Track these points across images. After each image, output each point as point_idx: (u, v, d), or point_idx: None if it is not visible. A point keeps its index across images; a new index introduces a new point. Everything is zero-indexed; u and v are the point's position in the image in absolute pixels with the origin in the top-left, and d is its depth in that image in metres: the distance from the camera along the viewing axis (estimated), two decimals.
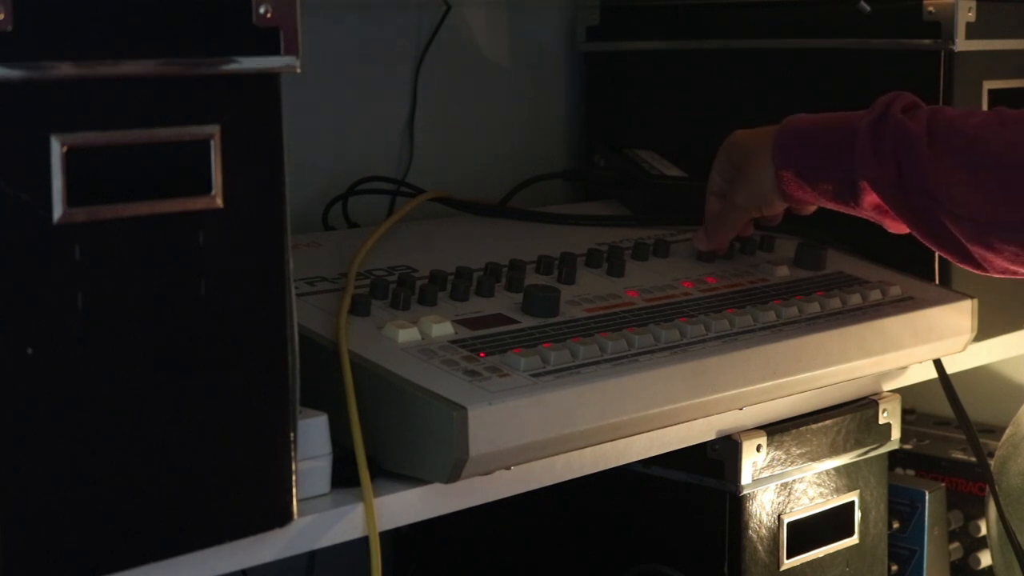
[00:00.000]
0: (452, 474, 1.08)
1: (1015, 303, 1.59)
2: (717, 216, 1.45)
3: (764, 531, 1.37)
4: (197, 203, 0.95)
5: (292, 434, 1.01)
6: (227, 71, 0.96)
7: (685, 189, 1.60)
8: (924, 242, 1.35)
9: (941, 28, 1.51)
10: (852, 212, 1.37)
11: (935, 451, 1.73)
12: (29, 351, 0.88)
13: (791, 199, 1.39)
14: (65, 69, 0.88)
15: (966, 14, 1.51)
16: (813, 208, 1.44)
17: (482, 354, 1.15)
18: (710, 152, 1.64)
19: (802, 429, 1.38)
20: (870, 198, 1.33)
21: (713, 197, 1.46)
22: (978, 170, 1.26)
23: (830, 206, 1.38)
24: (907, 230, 1.36)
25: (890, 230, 1.38)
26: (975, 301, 1.47)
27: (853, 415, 1.43)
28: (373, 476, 1.08)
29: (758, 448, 1.34)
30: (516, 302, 1.26)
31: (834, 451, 1.42)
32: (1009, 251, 1.27)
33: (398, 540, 1.57)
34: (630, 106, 1.77)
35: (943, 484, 1.64)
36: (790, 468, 1.38)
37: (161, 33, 0.93)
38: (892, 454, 1.51)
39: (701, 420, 1.29)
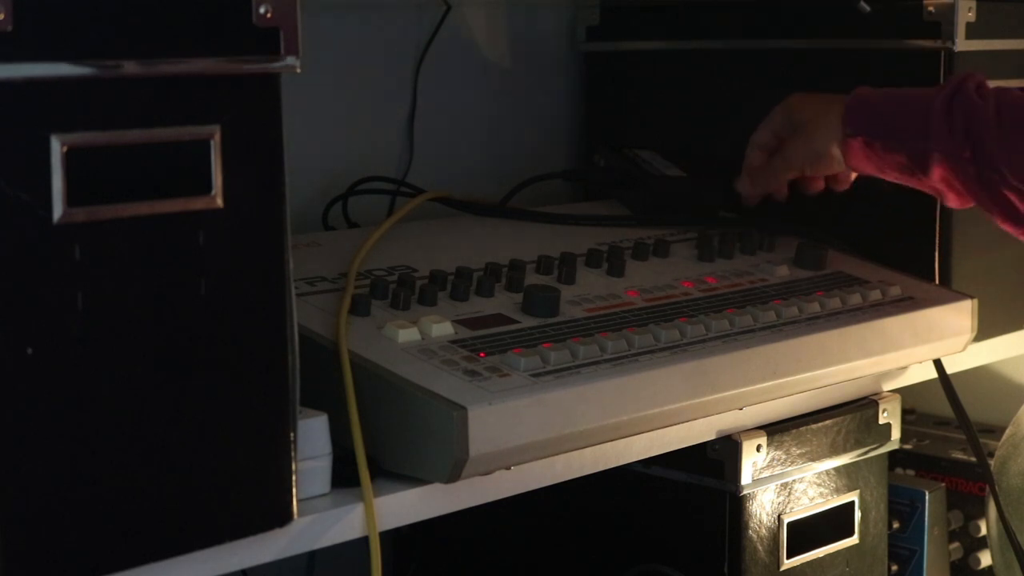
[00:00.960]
0: (452, 474, 1.08)
1: (1015, 303, 1.59)
2: (764, 167, 1.51)
3: (764, 531, 1.37)
4: (197, 203, 0.95)
5: (292, 434, 1.01)
6: (227, 71, 0.96)
7: (685, 189, 1.60)
8: (990, 215, 1.39)
9: (941, 28, 1.51)
10: (914, 184, 1.41)
11: (935, 451, 1.73)
12: (29, 351, 0.88)
13: (853, 167, 1.44)
14: (65, 69, 0.88)
15: (966, 14, 1.51)
16: (850, 181, 1.50)
17: (482, 354, 1.15)
18: (710, 152, 1.65)
19: (802, 429, 1.38)
20: (939, 171, 1.37)
21: (757, 151, 1.51)
22: None
23: (892, 177, 1.42)
24: (966, 204, 1.41)
25: (947, 203, 1.42)
26: (975, 301, 1.47)
27: (853, 415, 1.43)
28: (373, 476, 1.08)
29: (758, 448, 1.34)
30: (516, 302, 1.26)
31: (834, 451, 1.42)
32: None
33: (398, 540, 1.57)
34: (630, 106, 1.77)
35: (943, 484, 1.64)
36: (790, 468, 1.38)
37: (161, 33, 0.93)
38: (892, 454, 1.51)
39: (701, 420, 1.28)
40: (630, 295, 1.33)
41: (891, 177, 1.42)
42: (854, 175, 1.49)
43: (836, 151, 1.43)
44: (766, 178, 1.51)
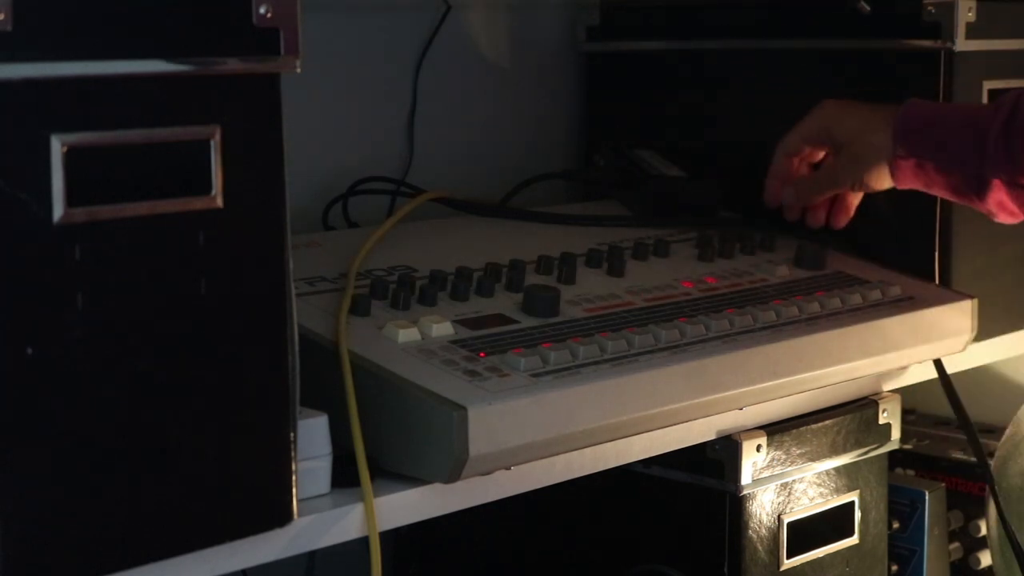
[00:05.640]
0: (452, 474, 1.08)
1: (1015, 303, 1.59)
2: (811, 181, 1.49)
3: (764, 531, 1.37)
4: (197, 203, 0.95)
5: (292, 434, 1.01)
6: (227, 71, 0.96)
7: (685, 189, 1.60)
8: None
9: (941, 28, 1.51)
10: (965, 203, 1.40)
11: (935, 451, 1.73)
12: (29, 351, 0.88)
13: (900, 185, 1.42)
14: (65, 69, 0.88)
15: (966, 14, 1.51)
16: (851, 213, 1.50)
17: (482, 354, 1.15)
18: (710, 152, 1.65)
19: (802, 429, 1.38)
20: (997, 195, 1.36)
21: (785, 158, 1.49)
22: None
23: (940, 194, 1.41)
24: (1017, 221, 1.39)
25: (999, 220, 1.40)
26: (975, 301, 1.47)
27: (853, 415, 1.43)
28: (373, 476, 1.08)
29: (758, 448, 1.34)
30: (516, 302, 1.26)
31: (834, 451, 1.42)
32: None
33: (398, 540, 1.57)
34: (630, 106, 1.77)
35: (943, 484, 1.64)
36: (790, 468, 1.38)
37: (161, 33, 0.93)
38: (892, 454, 1.51)
39: (701, 420, 1.29)
40: (630, 295, 1.33)
41: (939, 194, 1.41)
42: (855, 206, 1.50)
43: (886, 171, 1.41)
44: (810, 193, 1.50)
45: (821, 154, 1.51)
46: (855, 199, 1.50)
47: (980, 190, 1.36)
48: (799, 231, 1.53)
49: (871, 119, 1.42)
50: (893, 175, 1.41)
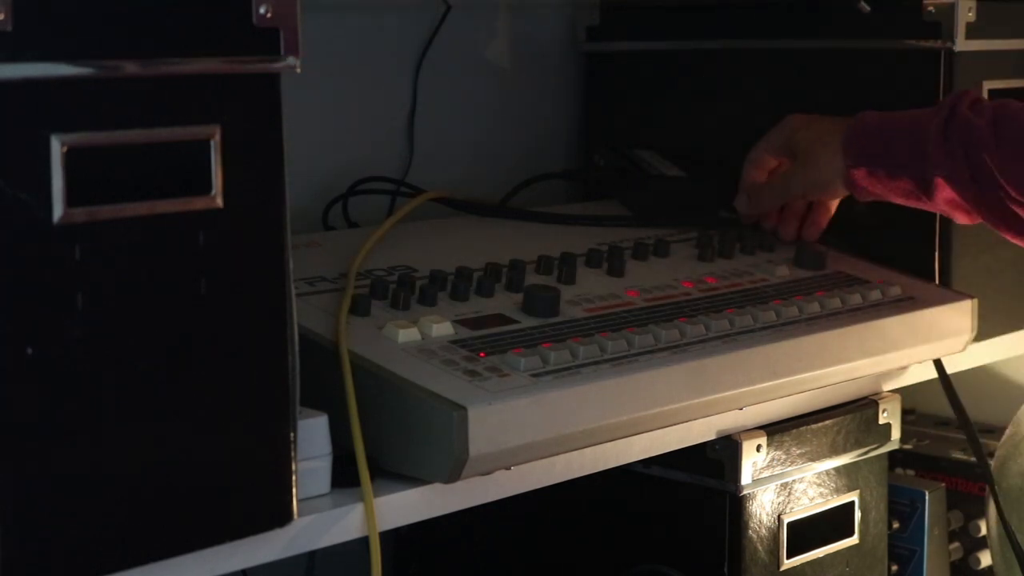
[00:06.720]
0: (452, 474, 1.08)
1: (1015, 303, 1.59)
2: (766, 188, 1.50)
3: (764, 531, 1.37)
4: (197, 203, 0.95)
5: (292, 434, 1.01)
6: (227, 71, 0.96)
7: (685, 189, 1.60)
8: (999, 232, 1.38)
9: (941, 28, 1.51)
10: (923, 207, 1.41)
11: (935, 451, 1.73)
12: (29, 351, 0.88)
13: (858, 194, 1.43)
14: (65, 69, 0.88)
15: (966, 14, 1.51)
16: (827, 219, 1.50)
17: (482, 354, 1.15)
18: (710, 152, 1.65)
19: (802, 429, 1.38)
20: (943, 194, 1.37)
21: (754, 169, 1.51)
22: None
23: (899, 201, 1.42)
24: (975, 221, 1.40)
25: (959, 221, 1.42)
26: (975, 301, 1.47)
27: (853, 415, 1.43)
28: (373, 476, 1.08)
29: (758, 448, 1.34)
30: (516, 302, 1.26)
31: (834, 451, 1.42)
32: None
33: (398, 540, 1.57)
34: (630, 106, 1.77)
35: (943, 484, 1.64)
36: (790, 468, 1.38)
37: (161, 33, 0.93)
38: (892, 454, 1.51)
39: (701, 420, 1.29)
40: (630, 295, 1.33)
41: (897, 201, 1.41)
42: (831, 213, 1.51)
43: (839, 180, 1.42)
44: (763, 200, 1.51)
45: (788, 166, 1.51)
46: (825, 212, 1.51)
47: (927, 189, 1.37)
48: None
49: (828, 130, 1.44)
50: (850, 186, 1.42)
